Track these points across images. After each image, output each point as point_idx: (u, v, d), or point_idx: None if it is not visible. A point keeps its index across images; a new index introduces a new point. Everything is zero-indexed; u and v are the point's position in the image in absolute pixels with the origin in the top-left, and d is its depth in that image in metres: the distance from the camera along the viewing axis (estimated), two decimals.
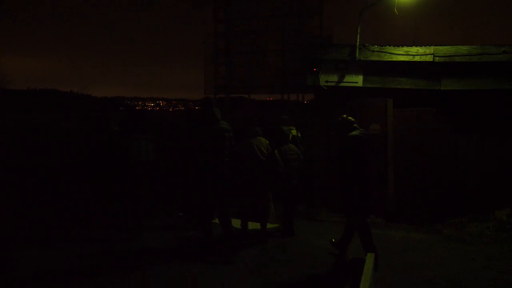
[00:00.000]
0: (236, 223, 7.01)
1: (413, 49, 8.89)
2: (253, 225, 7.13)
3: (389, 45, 9.06)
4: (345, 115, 6.03)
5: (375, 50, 9.08)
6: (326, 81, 9.27)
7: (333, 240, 6.36)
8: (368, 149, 5.81)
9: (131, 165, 6.97)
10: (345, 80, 9.19)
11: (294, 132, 8.28)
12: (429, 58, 8.71)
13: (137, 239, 6.93)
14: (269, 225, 7.17)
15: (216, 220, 6.45)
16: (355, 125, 5.89)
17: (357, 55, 9.04)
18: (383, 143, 8.73)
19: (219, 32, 19.16)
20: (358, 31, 9.07)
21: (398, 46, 9.00)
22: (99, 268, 5.73)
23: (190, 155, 6.73)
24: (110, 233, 7.20)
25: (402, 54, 8.89)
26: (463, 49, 8.64)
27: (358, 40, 9.04)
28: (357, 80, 9.15)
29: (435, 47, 8.79)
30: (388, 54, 8.97)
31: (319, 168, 9.43)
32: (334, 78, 9.25)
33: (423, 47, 8.86)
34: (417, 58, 8.78)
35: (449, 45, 8.75)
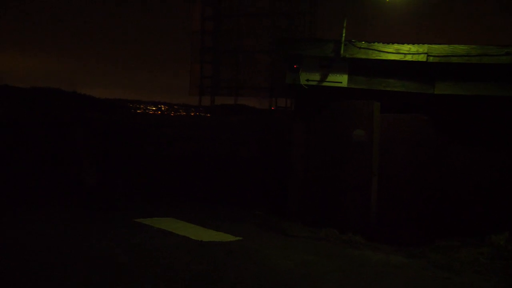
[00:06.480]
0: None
1: (405, 47, 7.96)
2: None
3: (378, 42, 8.14)
4: None
5: (362, 46, 8.15)
6: (307, 80, 8.50)
7: None
8: None
9: None
10: (328, 79, 8.45)
11: None
12: (422, 58, 7.82)
13: None
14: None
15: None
16: None
17: (342, 51, 8.14)
18: (368, 151, 7.86)
19: (206, 30, 18.53)
20: (344, 25, 8.17)
21: (388, 43, 8.09)
22: None
23: None
24: None
25: (392, 52, 8.00)
26: (461, 48, 7.69)
27: (343, 35, 8.13)
28: (342, 80, 8.36)
29: (430, 45, 7.88)
30: (376, 52, 8.07)
31: (295, 178, 8.52)
32: (316, 76, 8.46)
33: (415, 45, 7.94)
34: (408, 57, 7.90)
35: (445, 44, 7.83)
